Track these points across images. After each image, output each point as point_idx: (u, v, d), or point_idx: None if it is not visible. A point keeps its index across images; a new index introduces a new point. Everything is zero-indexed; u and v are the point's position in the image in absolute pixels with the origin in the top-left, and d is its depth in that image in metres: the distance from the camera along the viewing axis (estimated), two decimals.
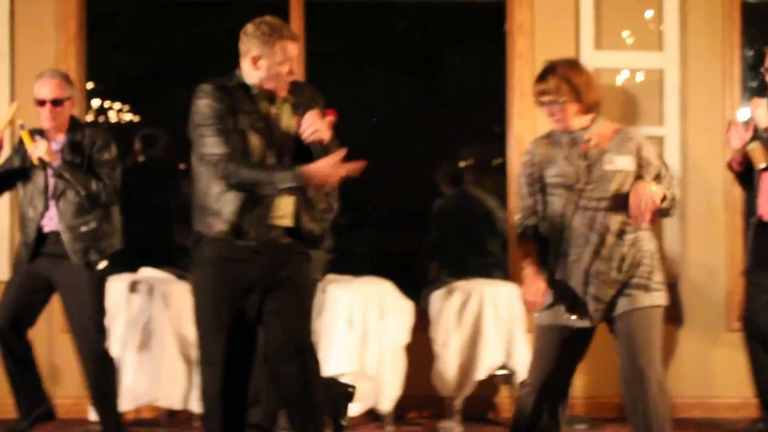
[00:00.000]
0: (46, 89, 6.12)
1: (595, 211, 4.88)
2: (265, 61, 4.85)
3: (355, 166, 4.76)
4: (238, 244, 4.83)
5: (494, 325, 6.73)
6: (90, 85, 7.53)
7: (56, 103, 6.12)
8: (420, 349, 6.81)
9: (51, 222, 6.10)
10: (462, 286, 6.91)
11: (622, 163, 4.90)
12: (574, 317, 4.93)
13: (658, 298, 4.93)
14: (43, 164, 6.04)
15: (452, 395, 6.75)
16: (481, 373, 6.73)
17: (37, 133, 6.17)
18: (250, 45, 4.87)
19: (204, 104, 4.81)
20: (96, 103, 8.40)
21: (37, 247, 6.14)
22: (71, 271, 6.09)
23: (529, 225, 5.04)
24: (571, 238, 4.91)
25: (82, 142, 6.15)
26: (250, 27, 4.89)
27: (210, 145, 4.77)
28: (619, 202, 4.86)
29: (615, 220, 4.87)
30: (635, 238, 4.90)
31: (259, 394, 5.98)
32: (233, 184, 4.76)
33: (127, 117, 8.72)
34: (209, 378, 4.93)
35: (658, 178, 4.91)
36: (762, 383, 6.32)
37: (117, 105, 8.63)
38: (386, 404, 6.69)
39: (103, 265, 6.12)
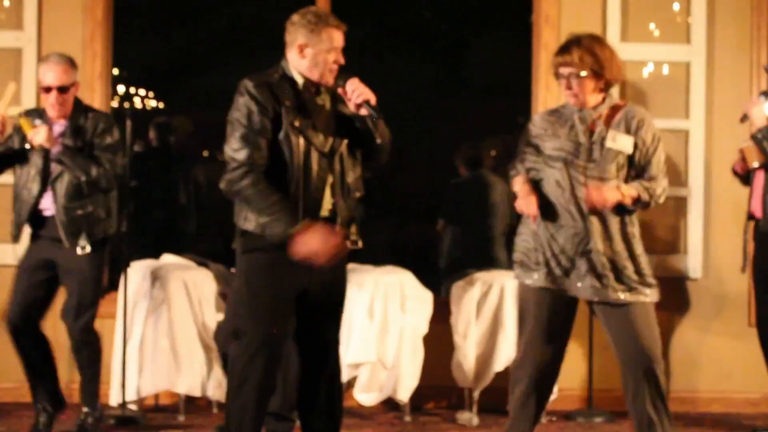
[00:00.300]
0: (52, 75, 5.93)
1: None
2: (312, 49, 4.81)
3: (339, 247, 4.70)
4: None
5: (514, 316, 6.69)
6: (116, 71, 7.53)
7: (62, 90, 5.94)
8: (439, 340, 6.80)
9: (52, 206, 5.98)
10: (483, 276, 6.89)
11: (623, 143, 4.86)
12: (574, 284, 4.90)
13: (653, 294, 4.93)
14: (44, 148, 5.91)
15: (471, 386, 6.74)
16: (499, 365, 6.71)
17: (38, 115, 6.04)
18: (296, 34, 4.83)
19: (241, 102, 4.75)
20: (121, 89, 8.44)
21: (36, 230, 6.08)
22: (68, 254, 6.00)
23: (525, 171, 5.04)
24: (570, 210, 4.86)
25: (85, 125, 6.00)
26: (296, 16, 4.85)
27: (232, 145, 4.72)
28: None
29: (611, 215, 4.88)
30: (633, 229, 4.92)
31: (276, 382, 5.98)
32: (233, 194, 4.75)
33: (152, 104, 8.75)
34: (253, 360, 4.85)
35: (645, 163, 4.87)
36: None
37: (142, 91, 8.67)
38: (404, 394, 6.69)
39: (88, 249, 5.99)
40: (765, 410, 6.98)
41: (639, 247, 4.93)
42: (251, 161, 4.69)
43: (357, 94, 4.76)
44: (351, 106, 4.81)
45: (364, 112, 4.77)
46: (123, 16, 7.52)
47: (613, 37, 7.21)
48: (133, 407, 6.62)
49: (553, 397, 6.71)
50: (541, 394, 5.11)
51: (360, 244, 4.98)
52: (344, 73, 4.87)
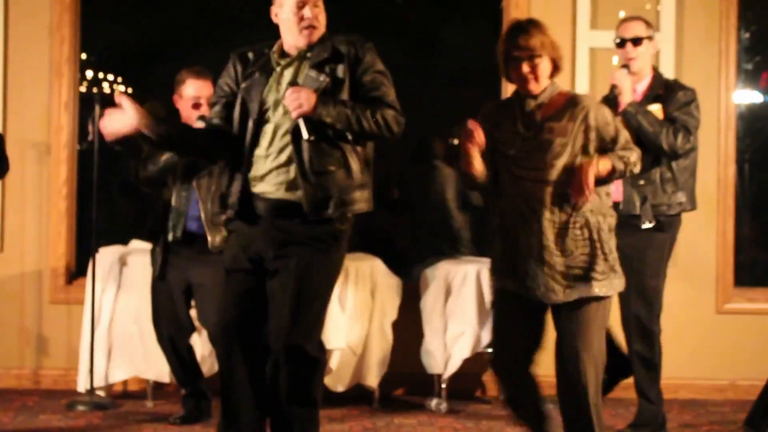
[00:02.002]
0: None
1: (532, 183, 4.55)
2: (280, 11, 4.68)
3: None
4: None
5: (482, 302, 6.72)
6: (84, 56, 7.48)
7: None
8: (408, 327, 6.81)
9: None
10: (451, 263, 6.91)
11: (560, 131, 4.56)
12: (533, 288, 4.61)
13: (600, 288, 4.59)
14: None
15: (439, 372, 6.75)
16: (468, 351, 6.72)
17: None
18: (274, 3, 4.72)
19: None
20: (89, 74, 8.39)
21: None
22: None
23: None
24: (507, 209, 4.62)
25: None
26: None
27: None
28: (559, 175, 4.53)
29: (549, 194, 4.52)
30: (577, 220, 4.56)
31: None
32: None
33: (121, 88, 8.71)
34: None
35: (613, 142, 4.64)
36: None
37: (111, 76, 8.62)
38: (373, 380, 6.70)
39: None
40: (732, 397, 7.04)
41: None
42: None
43: (293, 107, 4.53)
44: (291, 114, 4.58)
45: (301, 123, 4.55)
46: (91, 1, 7.46)
47: (582, 24, 7.24)
48: (101, 393, 6.60)
49: None
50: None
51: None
52: (327, 58, 4.64)
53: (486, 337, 6.71)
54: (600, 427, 4.67)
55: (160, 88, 8.89)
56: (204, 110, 5.73)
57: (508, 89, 7.29)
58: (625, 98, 5.81)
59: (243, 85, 4.71)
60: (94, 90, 8.42)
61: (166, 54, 8.75)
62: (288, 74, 4.70)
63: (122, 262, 6.65)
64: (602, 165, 4.55)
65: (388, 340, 6.74)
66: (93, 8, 7.54)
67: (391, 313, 6.78)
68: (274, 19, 4.74)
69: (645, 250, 5.84)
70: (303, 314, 4.63)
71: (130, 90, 8.84)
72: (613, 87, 5.87)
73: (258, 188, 4.68)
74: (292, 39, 4.69)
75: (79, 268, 7.21)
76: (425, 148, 8.07)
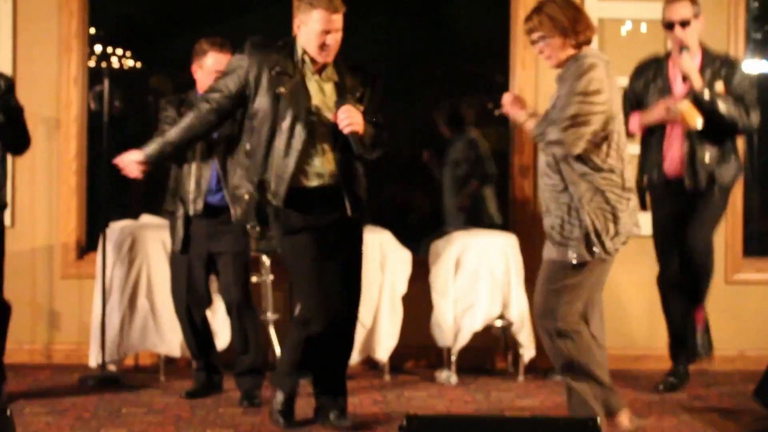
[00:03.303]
0: None
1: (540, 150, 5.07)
2: (304, 27, 5.10)
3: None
4: None
5: (492, 275, 6.73)
6: (92, 31, 7.48)
7: None
8: (418, 300, 6.82)
9: None
10: (461, 236, 6.91)
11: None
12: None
13: (560, 252, 4.95)
14: None
15: (449, 345, 6.77)
16: (478, 324, 6.74)
17: None
18: (297, 11, 5.15)
19: (237, 55, 5.30)
20: (98, 48, 8.38)
21: None
22: None
23: None
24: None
25: None
26: None
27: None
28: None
29: (542, 159, 5.03)
30: (558, 184, 4.93)
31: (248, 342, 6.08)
32: None
33: (130, 63, 8.70)
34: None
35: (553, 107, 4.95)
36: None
37: (119, 51, 8.61)
38: (383, 354, 6.72)
39: None
40: (740, 367, 7.06)
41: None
42: (207, 97, 5.32)
43: (345, 123, 5.08)
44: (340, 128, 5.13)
45: (350, 139, 5.13)
46: None
47: None
48: (112, 368, 6.63)
49: (530, 354, 6.79)
50: None
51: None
52: (344, 98, 5.18)
53: (495, 309, 6.72)
54: None
55: (168, 63, 8.91)
56: None
57: (516, 61, 7.28)
58: (696, 83, 5.93)
59: (281, 89, 5.14)
60: (103, 65, 8.41)
61: (174, 29, 8.75)
62: (328, 89, 5.26)
63: (133, 236, 6.66)
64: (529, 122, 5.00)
65: (398, 313, 6.76)
66: None
67: (401, 286, 6.79)
68: (296, 30, 5.18)
69: (707, 202, 6.18)
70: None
71: (138, 64, 8.83)
72: (683, 76, 6.01)
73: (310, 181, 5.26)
74: (310, 51, 5.18)
75: (89, 242, 7.24)
76: (457, 116, 8.18)
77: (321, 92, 5.23)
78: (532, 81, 7.21)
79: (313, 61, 5.18)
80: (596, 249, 4.87)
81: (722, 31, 7.18)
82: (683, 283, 6.36)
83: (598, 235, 4.87)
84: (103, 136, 6.69)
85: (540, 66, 7.19)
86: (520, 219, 7.27)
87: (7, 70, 7.03)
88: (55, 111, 7.13)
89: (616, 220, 4.90)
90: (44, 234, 7.14)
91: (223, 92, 5.26)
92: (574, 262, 4.91)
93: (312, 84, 5.22)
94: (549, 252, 5.01)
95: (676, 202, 6.27)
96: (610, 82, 4.89)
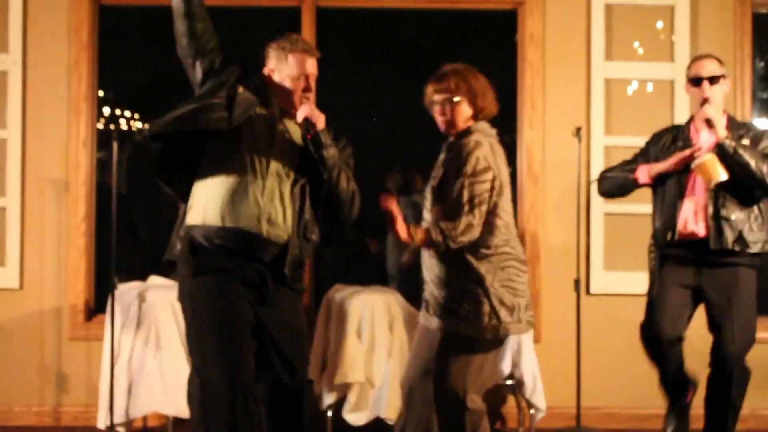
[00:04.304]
0: None
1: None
2: (278, 74, 4.86)
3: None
4: None
5: None
6: (101, 93, 7.53)
7: None
8: None
9: None
10: None
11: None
12: None
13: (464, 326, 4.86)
14: None
15: None
16: (488, 383, 6.71)
17: None
18: (268, 58, 4.91)
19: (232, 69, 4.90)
20: (107, 111, 8.43)
21: None
22: None
23: None
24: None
25: None
26: (272, 42, 4.93)
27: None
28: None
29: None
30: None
31: None
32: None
33: (138, 125, 8.75)
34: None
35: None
36: None
37: (128, 113, 8.66)
38: (393, 413, 6.68)
39: None
40: (753, 426, 7.00)
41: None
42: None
43: (304, 109, 4.77)
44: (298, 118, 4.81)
45: (305, 124, 4.77)
46: (108, 38, 7.51)
47: (597, 55, 7.25)
48: (121, 430, 6.60)
49: (541, 415, 6.75)
50: None
51: (303, 288, 4.97)
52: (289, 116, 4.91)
53: (505, 369, 6.70)
54: None
55: None
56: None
57: (524, 120, 7.32)
58: (720, 132, 5.73)
59: (255, 113, 4.82)
60: (112, 127, 8.45)
61: (182, 91, 8.77)
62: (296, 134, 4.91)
63: (141, 298, 6.67)
64: (419, 234, 4.82)
65: None
66: (110, 46, 7.59)
67: (410, 346, 6.77)
68: (267, 77, 4.90)
69: (737, 284, 5.83)
70: None
71: (146, 126, 8.88)
72: (707, 121, 5.77)
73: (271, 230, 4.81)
74: (283, 100, 4.88)
75: (98, 304, 7.24)
76: (405, 181, 8.18)
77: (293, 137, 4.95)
78: (540, 140, 7.24)
79: (283, 110, 4.93)
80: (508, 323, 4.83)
81: (729, 91, 7.21)
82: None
83: (510, 310, 4.83)
84: (112, 198, 6.70)
85: (547, 125, 7.23)
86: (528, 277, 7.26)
87: (17, 133, 7.08)
88: (64, 173, 7.16)
89: (521, 293, 4.89)
90: (53, 296, 7.14)
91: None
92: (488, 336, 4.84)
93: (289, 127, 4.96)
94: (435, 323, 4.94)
95: (691, 270, 5.93)
96: (495, 158, 4.88)
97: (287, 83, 4.86)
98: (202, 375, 4.64)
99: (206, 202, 4.78)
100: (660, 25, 7.31)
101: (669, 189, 5.93)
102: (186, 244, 4.78)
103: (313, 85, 4.92)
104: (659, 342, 5.94)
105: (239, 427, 4.58)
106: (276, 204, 4.78)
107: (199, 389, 4.65)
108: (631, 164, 6.10)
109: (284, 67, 4.87)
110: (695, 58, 6.03)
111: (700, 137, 5.87)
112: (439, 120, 4.97)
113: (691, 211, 5.87)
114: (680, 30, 7.27)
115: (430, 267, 4.93)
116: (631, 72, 7.32)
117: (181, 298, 4.78)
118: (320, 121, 4.77)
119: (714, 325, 5.89)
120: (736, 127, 5.88)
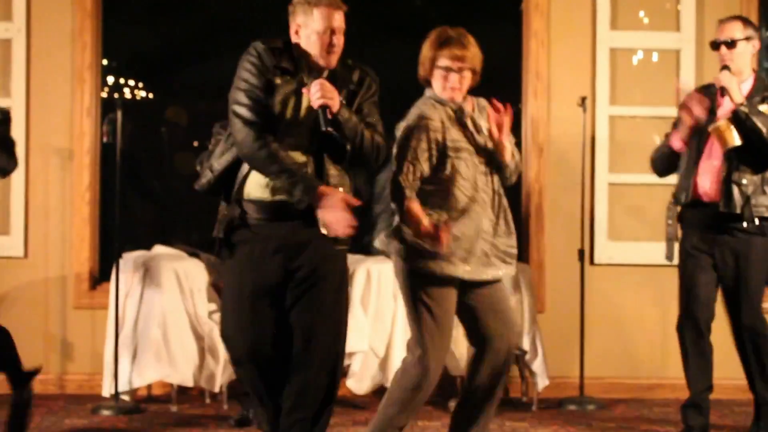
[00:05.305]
0: None
1: (486, 175, 4.83)
2: (305, 30, 4.70)
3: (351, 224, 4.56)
4: None
5: None
6: (105, 62, 7.53)
7: None
8: None
9: None
10: None
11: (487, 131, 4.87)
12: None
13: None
14: None
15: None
16: None
17: None
18: (294, 14, 4.74)
19: (248, 62, 4.66)
20: (111, 80, 8.43)
21: None
22: None
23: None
24: (476, 197, 4.81)
25: None
26: None
27: (239, 100, 4.62)
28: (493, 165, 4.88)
29: (497, 182, 4.87)
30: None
31: None
32: (245, 156, 4.62)
33: (142, 94, 8.75)
34: None
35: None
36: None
37: (132, 82, 8.66)
38: None
39: None
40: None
41: None
42: (257, 120, 4.60)
43: (317, 96, 4.58)
44: (311, 101, 4.63)
45: (319, 113, 4.60)
46: (112, 6, 7.49)
47: (603, 24, 7.23)
48: (125, 398, 6.62)
49: (545, 384, 6.77)
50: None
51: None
52: (346, 83, 4.74)
53: None
54: None
55: (181, 93, 8.94)
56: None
57: (528, 89, 7.30)
58: (736, 98, 5.67)
59: (283, 89, 4.68)
60: (116, 95, 8.45)
61: (186, 59, 8.80)
62: None
63: (145, 266, 6.68)
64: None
65: None
66: (114, 14, 7.58)
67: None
68: (294, 37, 4.76)
69: (748, 254, 5.80)
70: None
71: (150, 95, 8.89)
72: (721, 89, 5.72)
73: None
74: (314, 55, 4.72)
75: (102, 273, 7.25)
76: None
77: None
78: (545, 110, 7.23)
79: (310, 68, 4.76)
80: None
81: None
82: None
83: None
84: (116, 167, 6.71)
85: (552, 95, 7.22)
86: (536, 248, 7.27)
87: (21, 101, 7.08)
88: (68, 142, 7.16)
89: None
90: (57, 264, 7.15)
91: (260, 100, 4.67)
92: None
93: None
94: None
95: (705, 233, 5.91)
96: None
97: (313, 38, 4.70)
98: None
99: (239, 178, 4.73)
100: None
101: (690, 151, 5.89)
102: (224, 225, 4.76)
103: (340, 39, 4.74)
104: (698, 328, 5.92)
105: (256, 389, 4.76)
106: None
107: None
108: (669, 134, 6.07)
109: (310, 21, 4.70)
110: (719, 21, 5.96)
111: (724, 101, 5.84)
112: (454, 87, 4.80)
113: (706, 174, 5.84)
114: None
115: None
116: (636, 41, 7.31)
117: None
118: (335, 102, 4.61)
119: (726, 295, 5.90)
120: (761, 89, 5.82)
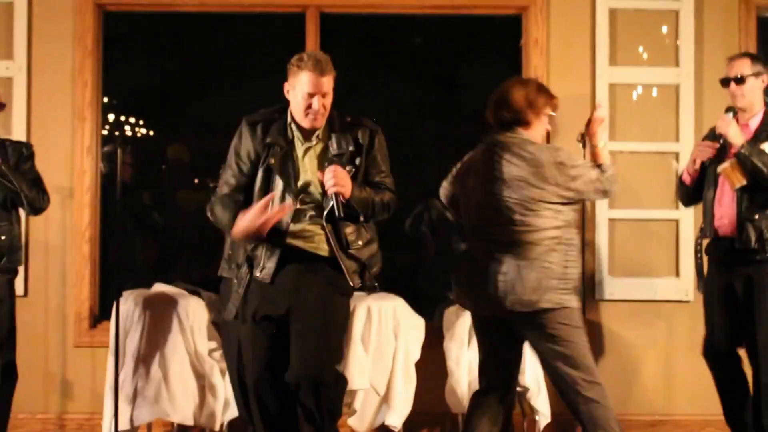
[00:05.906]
0: None
1: None
2: (293, 91, 4.97)
3: (282, 211, 4.90)
4: None
5: None
6: (106, 100, 7.54)
7: None
8: (432, 366, 6.79)
9: None
10: None
11: None
12: None
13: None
14: None
15: (464, 412, 6.71)
16: None
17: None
18: (288, 74, 5.03)
19: (234, 138, 5.10)
20: (111, 117, 8.42)
21: None
22: None
23: None
24: None
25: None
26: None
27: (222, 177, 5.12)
28: None
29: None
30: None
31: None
32: (211, 220, 5.10)
33: (143, 131, 8.74)
34: None
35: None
36: None
37: (132, 119, 8.65)
38: (397, 420, 6.67)
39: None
40: None
41: None
42: (219, 191, 5.12)
43: (330, 183, 4.87)
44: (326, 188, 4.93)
45: (333, 202, 4.90)
46: (112, 44, 7.51)
47: (602, 60, 7.24)
48: None
49: (547, 421, 6.74)
50: None
51: (376, 286, 5.27)
52: (335, 158, 4.97)
53: None
54: None
55: (182, 131, 8.95)
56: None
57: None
58: (734, 142, 5.84)
59: (271, 161, 5.00)
60: (116, 133, 8.45)
61: (188, 96, 8.79)
62: (313, 154, 5.08)
63: (146, 304, 6.66)
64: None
65: (411, 379, 6.72)
66: (114, 52, 7.59)
67: (415, 353, 6.76)
68: (286, 95, 5.05)
69: (763, 281, 5.88)
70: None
71: (151, 132, 8.88)
72: (720, 136, 5.92)
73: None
74: (298, 119, 5.03)
75: (102, 311, 7.24)
76: None
77: (313, 159, 5.09)
78: None
79: (300, 127, 5.05)
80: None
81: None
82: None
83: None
84: (116, 205, 6.70)
85: (552, 131, 7.21)
86: None
87: (22, 139, 7.07)
88: (68, 180, 7.17)
89: None
90: (57, 302, 7.14)
91: (239, 182, 5.16)
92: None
93: (301, 152, 5.09)
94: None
95: (724, 265, 6.04)
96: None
97: (298, 100, 4.97)
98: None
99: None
100: (665, 29, 7.30)
101: (711, 186, 6.08)
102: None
103: (321, 103, 4.99)
104: (718, 354, 6.07)
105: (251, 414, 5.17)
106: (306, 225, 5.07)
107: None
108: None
109: (297, 84, 4.96)
110: (728, 58, 6.14)
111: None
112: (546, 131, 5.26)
113: (722, 210, 6.01)
114: (685, 34, 7.26)
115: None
116: (635, 77, 7.31)
117: None
118: (347, 189, 4.90)
119: (741, 320, 5.98)
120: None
